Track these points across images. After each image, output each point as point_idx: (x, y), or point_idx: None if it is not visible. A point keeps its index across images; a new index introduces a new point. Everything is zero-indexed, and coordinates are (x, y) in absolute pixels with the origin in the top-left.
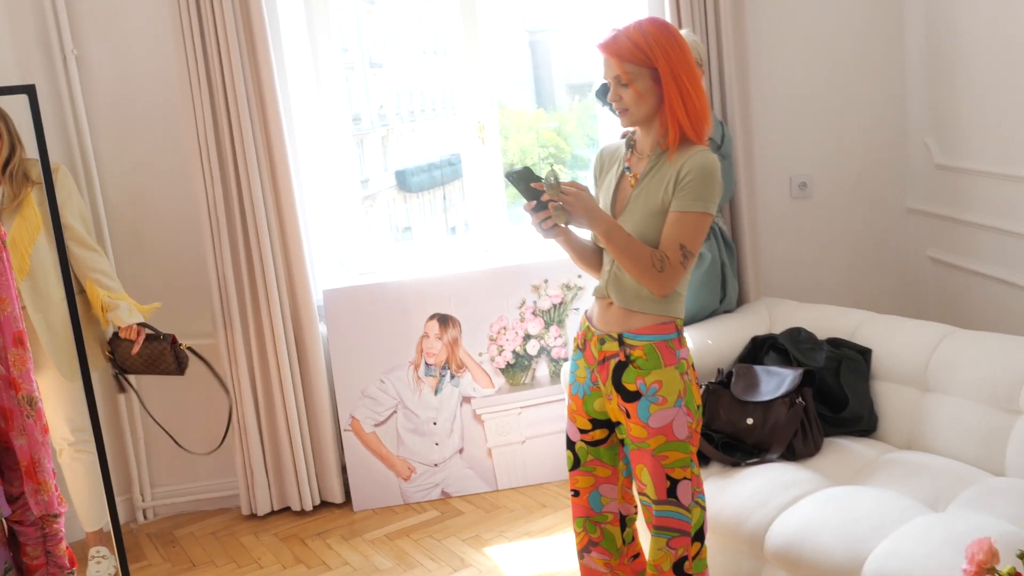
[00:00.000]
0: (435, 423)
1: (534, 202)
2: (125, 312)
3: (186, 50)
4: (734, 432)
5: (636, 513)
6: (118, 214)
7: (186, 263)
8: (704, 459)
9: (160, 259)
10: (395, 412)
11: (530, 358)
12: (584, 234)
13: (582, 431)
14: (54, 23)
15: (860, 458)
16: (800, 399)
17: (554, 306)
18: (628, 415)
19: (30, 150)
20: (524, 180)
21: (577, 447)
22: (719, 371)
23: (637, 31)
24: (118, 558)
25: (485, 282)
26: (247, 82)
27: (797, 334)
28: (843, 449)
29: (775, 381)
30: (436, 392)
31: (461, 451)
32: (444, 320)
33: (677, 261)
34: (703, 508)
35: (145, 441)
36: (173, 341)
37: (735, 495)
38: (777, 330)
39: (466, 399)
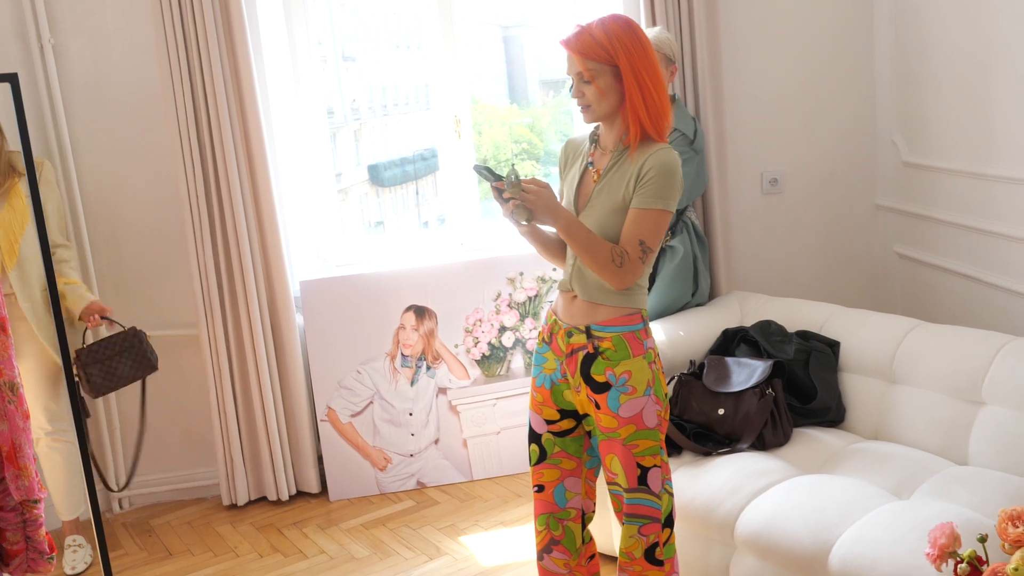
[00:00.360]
0: (411, 414)
1: (497, 191)
2: (83, 291)
3: (166, 40)
4: (706, 422)
5: (594, 511)
6: (95, 203)
7: (163, 253)
8: (676, 448)
9: (137, 249)
10: (371, 403)
11: (505, 350)
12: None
13: (549, 422)
14: (31, 11)
15: (828, 448)
16: (770, 390)
17: (529, 299)
18: (598, 406)
19: (11, 139)
20: (488, 175)
21: (543, 439)
22: (691, 363)
23: (600, 28)
24: (99, 547)
25: (461, 274)
26: (225, 73)
27: (767, 327)
28: (812, 439)
29: (746, 372)
30: (412, 383)
31: (437, 442)
32: (420, 312)
33: (636, 257)
34: (671, 495)
35: (121, 431)
36: (139, 332)
37: (707, 484)
38: (748, 323)
39: (442, 390)
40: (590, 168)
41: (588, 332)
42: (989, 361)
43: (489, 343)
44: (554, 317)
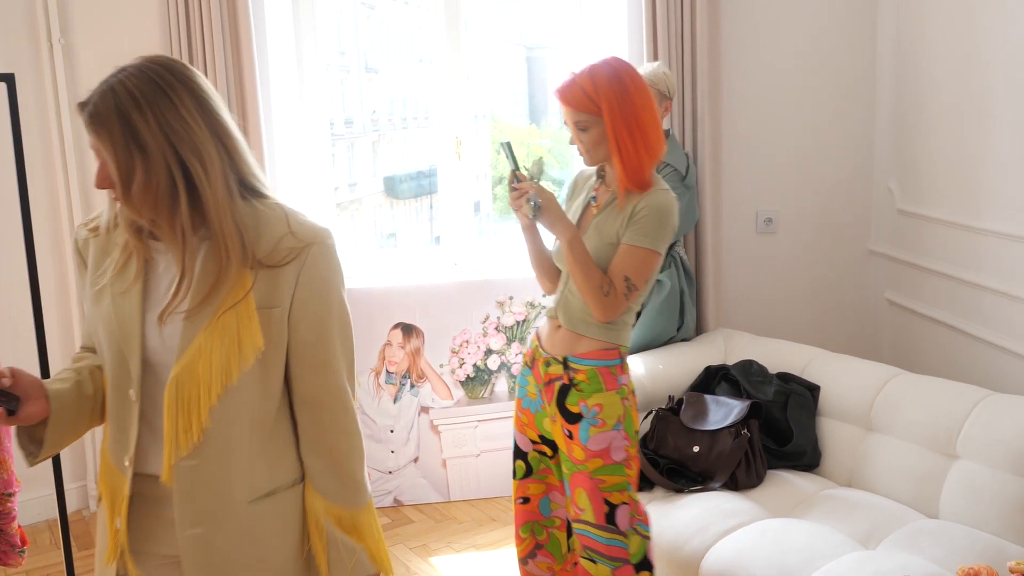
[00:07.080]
0: (392, 431)
1: (514, 174)
2: None
3: (171, 45)
4: (680, 458)
5: None
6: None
7: None
8: (648, 483)
9: None
10: None
11: (490, 373)
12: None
13: (533, 442)
14: (43, 9)
15: (800, 492)
16: (746, 430)
17: (517, 323)
18: (571, 436)
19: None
20: (510, 158)
21: (530, 456)
22: (670, 398)
23: (589, 79)
24: (63, 545)
25: (451, 295)
26: (229, 81)
27: (749, 367)
28: (785, 482)
29: (723, 411)
30: (395, 400)
31: (416, 460)
32: (408, 329)
33: (621, 291)
34: (644, 537)
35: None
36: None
37: (675, 520)
38: (731, 361)
39: (424, 409)
40: (592, 202)
41: (565, 363)
42: (965, 415)
43: (474, 365)
44: (537, 343)
